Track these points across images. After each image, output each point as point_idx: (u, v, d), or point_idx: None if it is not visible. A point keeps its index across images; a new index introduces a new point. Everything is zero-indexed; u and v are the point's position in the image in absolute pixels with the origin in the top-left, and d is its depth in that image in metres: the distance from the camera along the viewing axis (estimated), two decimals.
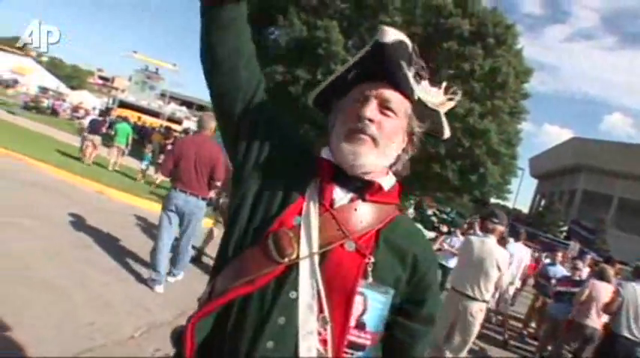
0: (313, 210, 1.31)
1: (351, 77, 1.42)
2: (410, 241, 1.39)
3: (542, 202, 65.31)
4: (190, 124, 49.75)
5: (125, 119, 23.32)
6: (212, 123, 6.67)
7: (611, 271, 8.05)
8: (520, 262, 10.29)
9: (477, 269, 5.94)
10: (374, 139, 1.33)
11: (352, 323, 1.24)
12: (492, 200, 34.95)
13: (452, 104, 1.48)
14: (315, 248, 1.25)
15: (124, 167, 17.96)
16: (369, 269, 1.26)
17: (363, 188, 1.36)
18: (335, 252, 1.27)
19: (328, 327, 1.22)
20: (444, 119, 1.49)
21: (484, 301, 5.97)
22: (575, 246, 29.29)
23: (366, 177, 1.35)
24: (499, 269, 5.92)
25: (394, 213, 1.40)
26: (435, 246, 7.65)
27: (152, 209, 11.72)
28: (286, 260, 1.24)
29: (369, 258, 1.27)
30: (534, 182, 74.85)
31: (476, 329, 6.01)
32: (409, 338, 1.40)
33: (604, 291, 7.43)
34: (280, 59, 21.34)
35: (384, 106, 1.35)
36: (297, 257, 1.25)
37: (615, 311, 6.99)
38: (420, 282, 1.38)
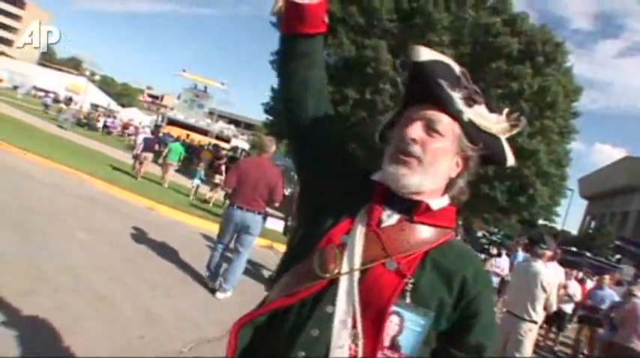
0: (360, 229, 1.32)
1: (401, 104, 1.44)
2: (460, 264, 1.33)
3: (593, 224, 63.58)
4: (238, 142, 50.50)
5: (177, 139, 24.81)
6: (272, 147, 7.29)
7: None
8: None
9: (524, 291, 6.20)
10: (418, 160, 1.32)
11: (386, 342, 1.23)
12: (540, 221, 34.30)
13: (515, 130, 1.45)
14: (357, 265, 1.27)
15: (174, 184, 18.41)
16: (408, 289, 1.24)
17: (411, 209, 1.35)
18: (375, 270, 1.27)
19: (359, 343, 1.22)
20: (506, 146, 1.45)
21: (533, 321, 6.17)
22: (629, 271, 28.33)
23: (415, 198, 1.34)
24: (544, 290, 6.10)
25: (447, 236, 1.36)
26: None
27: (201, 225, 11.94)
28: (327, 275, 1.27)
29: (409, 278, 1.25)
30: (584, 203, 72.97)
31: (526, 349, 6.17)
32: None
33: None
34: (329, 78, 21.40)
35: (430, 127, 1.33)
36: (339, 273, 1.27)
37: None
38: (468, 307, 1.30)
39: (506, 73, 20.46)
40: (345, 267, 1.27)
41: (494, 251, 10.03)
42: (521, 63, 20.56)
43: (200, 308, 5.99)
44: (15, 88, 53.72)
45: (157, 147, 19.99)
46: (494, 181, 21.23)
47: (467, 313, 1.30)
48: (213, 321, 5.64)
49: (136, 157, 18.03)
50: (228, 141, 48.52)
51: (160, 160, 18.29)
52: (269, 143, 7.33)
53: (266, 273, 9.18)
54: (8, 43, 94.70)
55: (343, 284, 1.26)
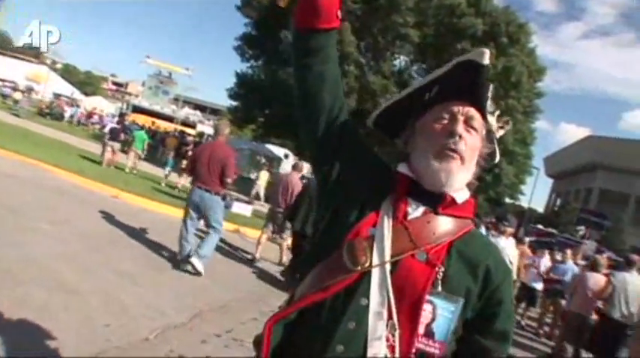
0: (387, 222, 1.34)
1: (432, 94, 1.45)
2: (483, 253, 1.39)
3: (558, 201, 64.79)
4: (204, 128, 50.01)
5: (142, 127, 25.94)
6: (226, 130, 8.10)
7: (603, 261, 8.63)
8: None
9: None
10: (462, 156, 1.35)
11: (421, 330, 1.26)
12: (507, 200, 34.85)
13: (503, 132, 1.54)
14: (387, 257, 1.29)
15: (141, 172, 18.55)
16: (439, 278, 1.28)
17: (436, 201, 1.38)
18: (406, 261, 1.29)
19: (396, 333, 1.24)
20: (496, 143, 1.54)
21: None
22: (591, 245, 28.99)
23: (443, 191, 1.38)
24: (510, 263, 6.87)
25: (468, 227, 1.41)
26: None
27: (167, 212, 11.85)
28: (359, 268, 1.28)
29: (439, 268, 1.28)
30: (550, 181, 74.19)
31: None
32: (481, 355, 1.39)
33: (593, 280, 8.00)
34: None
35: (469, 124, 1.38)
36: (370, 266, 1.28)
37: (607, 297, 7.74)
38: (492, 295, 1.36)
39: None
40: (375, 259, 1.29)
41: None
42: (485, 44, 20.71)
43: (167, 295, 5.95)
44: None
45: (122, 136, 19.96)
46: None
47: (492, 301, 1.36)
48: (180, 308, 5.61)
49: (104, 145, 18.31)
50: (194, 127, 48.15)
51: (126, 148, 19.07)
52: (223, 126, 8.17)
53: (233, 258, 9.16)
54: None
55: (375, 276, 1.28)
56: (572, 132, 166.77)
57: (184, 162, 17.24)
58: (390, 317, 1.25)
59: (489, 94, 1.41)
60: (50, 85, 52.17)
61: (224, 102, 32.82)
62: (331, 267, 1.34)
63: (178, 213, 11.94)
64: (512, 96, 21.95)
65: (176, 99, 54.73)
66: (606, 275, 8.26)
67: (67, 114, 39.33)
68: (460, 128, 1.35)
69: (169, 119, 47.12)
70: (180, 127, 44.29)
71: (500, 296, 1.37)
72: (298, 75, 1.51)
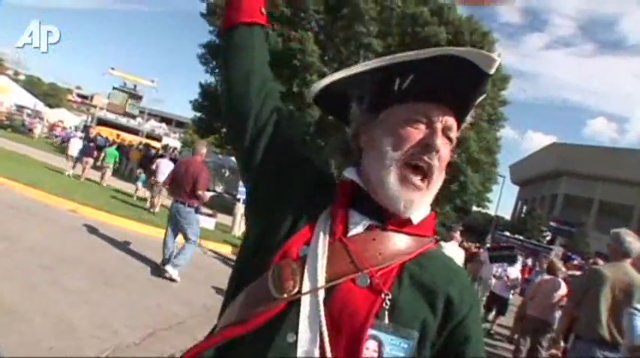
0: (322, 239, 1.11)
1: (407, 85, 1.16)
2: (442, 279, 1.13)
3: (524, 208, 65.84)
4: (169, 141, 49.59)
5: (112, 144, 27.52)
6: (203, 150, 8.99)
7: (558, 265, 8.68)
8: None
9: None
10: (430, 178, 1.14)
11: None
12: (474, 208, 35.18)
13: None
14: (320, 283, 1.05)
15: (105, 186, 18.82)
16: (386, 307, 1.04)
17: (385, 215, 1.15)
18: (343, 287, 1.05)
19: None
20: None
21: None
22: (558, 251, 29.41)
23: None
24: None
25: (426, 246, 1.17)
26: None
27: (127, 226, 11.57)
28: (285, 296, 1.05)
29: (386, 295, 1.04)
30: (516, 189, 75.37)
31: None
32: None
33: (551, 284, 8.07)
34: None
35: (445, 134, 1.15)
36: (299, 293, 1.05)
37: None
38: (455, 331, 1.11)
39: None
40: (306, 286, 1.05)
41: None
42: None
43: (120, 313, 5.70)
44: None
45: (95, 153, 21.32)
46: None
47: (455, 339, 1.11)
48: (134, 326, 5.38)
49: (77, 161, 19.88)
50: (159, 139, 47.67)
51: (99, 163, 20.72)
52: (200, 146, 9.01)
53: (191, 273, 8.92)
54: None
55: (305, 306, 1.04)
56: (538, 140, 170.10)
57: (153, 178, 17.05)
58: (323, 356, 1.01)
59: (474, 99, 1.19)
60: (11, 96, 51.13)
61: (189, 114, 32.63)
62: (254, 294, 1.11)
63: (139, 228, 11.77)
64: (476, 105, 22.18)
65: (141, 112, 54.22)
66: (565, 279, 8.32)
67: (37, 131, 38.71)
68: (439, 142, 1.12)
69: (134, 132, 46.60)
70: (145, 140, 43.79)
71: (465, 333, 1.11)
72: (223, 76, 1.39)
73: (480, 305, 1.28)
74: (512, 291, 11.52)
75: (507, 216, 65.90)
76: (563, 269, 9.01)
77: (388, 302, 1.03)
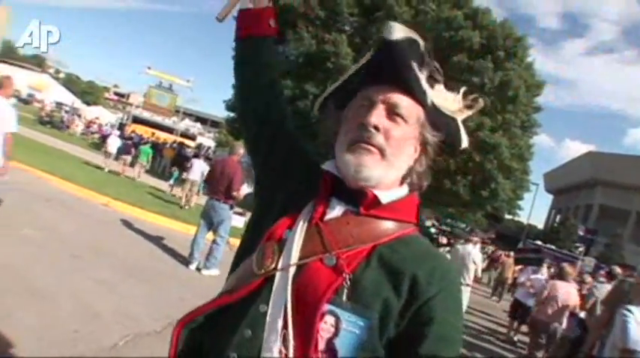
0: (302, 223, 1.22)
1: (356, 81, 1.30)
2: (412, 261, 1.16)
3: (558, 217, 64.65)
4: (203, 140, 50.05)
5: (147, 142, 27.72)
6: (240, 150, 8.94)
7: (569, 270, 8.80)
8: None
9: (460, 264, 8.66)
10: (381, 150, 1.20)
11: (321, 346, 1.09)
12: (507, 216, 34.69)
13: (471, 112, 1.32)
14: (293, 261, 1.16)
15: (139, 182, 19.50)
16: (345, 286, 1.10)
17: (358, 201, 1.23)
18: (312, 266, 1.15)
19: (290, 346, 1.09)
20: (461, 127, 1.32)
21: (467, 285, 8.74)
22: (590, 262, 28.92)
23: (366, 189, 1.22)
24: (474, 262, 8.78)
25: (403, 231, 1.22)
26: None
27: (157, 222, 11.79)
28: (263, 272, 1.17)
29: (347, 275, 1.11)
30: (549, 197, 74.16)
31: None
32: None
33: (563, 289, 8.17)
34: (289, 74, 21.41)
35: (393, 112, 1.21)
36: (274, 269, 1.17)
37: (590, 308, 7.77)
38: (419, 312, 1.11)
39: (467, 67, 20.55)
40: (281, 264, 1.17)
41: (443, 240, 10.30)
42: (482, 57, 20.70)
43: (143, 304, 5.86)
44: None
45: (132, 151, 22.28)
46: (456, 176, 21.40)
47: (418, 319, 1.11)
48: (155, 316, 5.53)
49: (116, 159, 21.53)
50: (193, 139, 48.07)
51: (134, 159, 21.70)
52: (237, 147, 9.04)
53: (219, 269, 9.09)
54: None
55: (277, 281, 1.16)
56: (576, 149, 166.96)
57: (185, 175, 17.95)
58: (285, 326, 1.10)
59: (419, 74, 1.21)
60: (52, 94, 52.37)
61: (225, 114, 32.88)
62: (244, 269, 1.26)
63: (169, 223, 11.99)
64: (509, 111, 21.89)
65: (177, 111, 54.83)
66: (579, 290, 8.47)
67: (77, 128, 39.63)
68: (376, 118, 1.19)
69: (169, 130, 47.10)
70: (179, 139, 44.28)
71: (429, 314, 1.11)
72: (236, 82, 1.56)
73: (458, 293, 1.17)
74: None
75: (540, 225, 64.87)
76: (574, 275, 9.25)
77: (348, 281, 1.11)
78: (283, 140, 1.47)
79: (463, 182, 21.72)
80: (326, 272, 1.13)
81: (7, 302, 4.73)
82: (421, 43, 1.21)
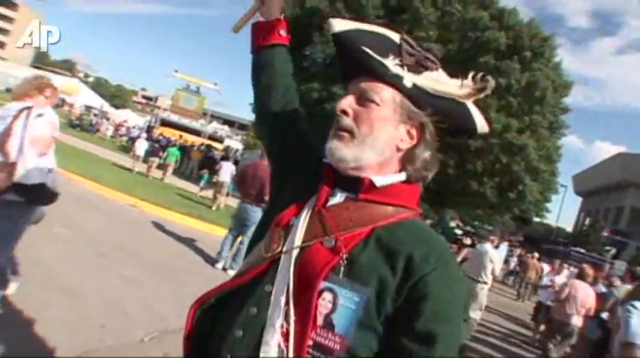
0: (307, 211, 1.31)
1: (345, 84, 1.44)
2: (409, 242, 1.21)
3: (587, 220, 63.59)
4: (231, 143, 50.37)
5: (174, 144, 29.26)
6: None
7: (589, 271, 8.87)
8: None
9: (477, 263, 8.87)
10: (351, 132, 1.28)
11: (320, 321, 1.15)
12: (535, 219, 34.22)
13: (482, 94, 1.35)
14: (297, 244, 1.24)
15: (166, 184, 19.99)
16: (342, 264, 1.17)
17: (356, 187, 1.30)
18: (313, 248, 1.23)
19: (291, 321, 1.17)
20: (474, 111, 1.37)
21: (485, 283, 8.77)
22: (621, 265, 28.42)
23: (359, 174, 1.29)
24: (491, 261, 8.75)
25: (402, 216, 1.28)
26: (458, 258, 8.14)
27: (183, 223, 11.94)
28: (269, 255, 1.27)
29: (344, 254, 1.18)
30: (579, 199, 73.03)
31: (480, 301, 8.81)
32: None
33: (582, 290, 8.22)
34: (317, 76, 21.51)
35: (363, 98, 1.30)
36: (280, 253, 1.26)
37: (610, 308, 7.78)
38: (414, 289, 1.15)
39: (494, 67, 20.36)
40: (286, 247, 1.26)
41: (467, 241, 10.36)
42: (508, 58, 20.51)
43: (169, 301, 5.95)
44: (7, 90, 53.60)
45: (161, 153, 23.38)
46: (483, 177, 21.25)
47: (413, 295, 1.15)
48: (182, 314, 5.54)
49: (145, 161, 22.09)
50: (221, 141, 48.46)
51: (161, 161, 22.46)
52: None
53: None
54: (0, 45, 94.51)
55: (282, 263, 1.24)
56: (607, 150, 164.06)
57: (215, 177, 18.58)
58: (287, 304, 1.19)
59: (383, 60, 1.30)
60: (81, 98, 53.25)
61: (252, 117, 33.11)
62: (254, 254, 1.36)
63: (195, 224, 12.14)
64: (536, 112, 21.62)
65: (204, 114, 55.29)
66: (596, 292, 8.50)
67: (107, 132, 40.38)
68: (343, 104, 1.31)
69: (197, 133, 47.51)
70: (207, 141, 44.64)
71: (424, 291, 1.15)
72: (253, 88, 1.69)
73: (455, 273, 1.18)
74: None
75: (569, 228, 64.00)
76: (593, 275, 9.27)
77: (345, 260, 1.17)
78: (295, 140, 1.61)
79: (490, 184, 21.53)
80: (325, 253, 1.21)
81: (39, 297, 4.87)
82: (390, 34, 1.38)
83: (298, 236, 1.25)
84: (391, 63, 1.30)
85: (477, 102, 1.38)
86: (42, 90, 4.45)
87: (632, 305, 4.25)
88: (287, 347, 1.15)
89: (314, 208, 1.30)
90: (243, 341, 1.20)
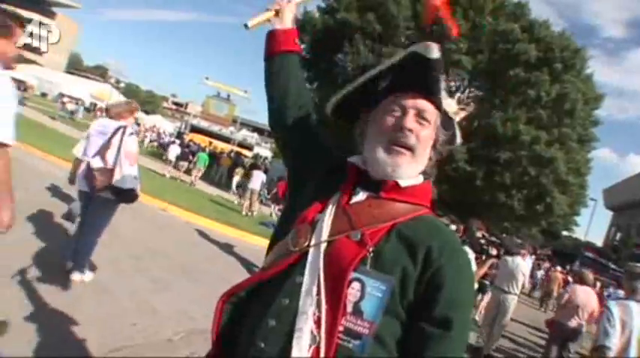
0: (331, 207, 1.44)
1: (383, 87, 1.52)
2: (427, 235, 1.36)
3: (618, 235, 62.24)
4: (260, 150, 50.61)
5: (204, 149, 30.44)
6: None
7: (590, 276, 9.07)
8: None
9: (509, 275, 8.88)
10: (412, 149, 1.43)
11: (349, 309, 1.26)
12: (564, 233, 33.66)
13: (464, 114, 1.62)
14: (324, 238, 1.36)
15: (194, 189, 20.42)
16: (369, 256, 1.30)
17: (379, 187, 1.45)
18: (340, 241, 1.35)
19: (323, 309, 1.27)
20: (456, 127, 1.59)
21: (515, 294, 8.90)
22: None
23: (393, 179, 1.44)
24: (523, 274, 9.04)
25: (418, 212, 1.43)
26: (481, 271, 8.05)
27: (212, 228, 12.12)
28: (297, 248, 1.39)
29: (370, 247, 1.31)
30: (609, 214, 71.48)
31: (508, 316, 8.89)
32: (420, 342, 1.28)
33: (583, 294, 8.35)
34: (343, 83, 21.57)
35: (420, 116, 1.45)
36: (308, 246, 1.37)
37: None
38: (432, 278, 1.30)
39: (524, 80, 20.28)
40: (313, 241, 1.37)
41: (493, 251, 10.29)
42: (538, 70, 20.35)
43: (198, 303, 6.09)
44: (43, 95, 54.83)
45: (190, 157, 25.13)
46: (511, 189, 21.07)
47: (432, 285, 1.30)
48: (210, 315, 5.70)
49: (175, 166, 23.75)
50: (250, 148, 48.77)
51: (191, 166, 24.06)
52: None
53: None
54: (39, 52, 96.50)
55: (311, 256, 1.35)
56: None
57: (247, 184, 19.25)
58: (318, 293, 1.29)
59: (442, 85, 1.45)
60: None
61: None
62: (280, 248, 1.47)
63: (223, 229, 12.31)
64: (566, 124, 21.37)
65: (234, 121, 55.61)
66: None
67: (145, 141, 41.17)
68: (410, 122, 1.42)
69: (226, 140, 47.80)
70: (236, 148, 44.91)
71: (440, 280, 1.29)
72: (267, 94, 1.80)
73: (467, 265, 1.39)
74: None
75: (599, 243, 62.71)
76: (593, 280, 9.59)
77: (372, 253, 1.31)
78: (311, 141, 1.73)
79: (518, 196, 21.32)
80: (352, 246, 1.33)
81: (74, 293, 5.12)
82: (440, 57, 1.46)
83: (325, 230, 1.38)
84: (443, 87, 1.47)
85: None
86: (132, 113, 6.04)
87: (607, 308, 4.41)
88: (319, 333, 1.26)
89: (338, 205, 1.44)
90: (276, 329, 1.31)
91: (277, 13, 1.78)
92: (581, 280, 8.94)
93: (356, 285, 1.28)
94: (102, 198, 5.53)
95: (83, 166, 5.59)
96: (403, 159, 1.43)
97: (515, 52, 20.48)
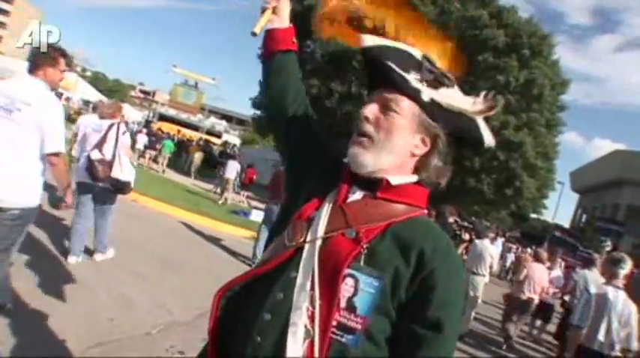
0: (327, 205, 1.44)
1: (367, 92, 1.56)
2: (420, 237, 1.36)
3: (584, 217, 63.56)
4: (229, 138, 50.38)
5: (169, 136, 31.11)
6: None
7: (544, 254, 10.22)
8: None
9: (479, 256, 9.07)
10: (370, 137, 1.42)
11: (343, 304, 1.28)
12: (532, 215, 34.28)
13: (491, 112, 1.50)
14: (320, 235, 1.37)
15: (163, 178, 20.65)
16: (363, 253, 1.31)
17: (375, 186, 1.44)
18: (335, 238, 1.36)
19: (316, 304, 1.29)
20: (482, 127, 1.49)
21: (483, 275, 9.08)
22: (619, 256, 28.33)
23: (377, 176, 1.43)
24: (491, 256, 9.16)
25: (413, 213, 1.43)
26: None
27: (185, 217, 12.02)
28: (293, 244, 1.40)
29: (365, 244, 1.32)
30: (576, 196, 72.92)
31: (479, 291, 9.09)
32: (411, 343, 1.30)
33: (538, 271, 9.51)
34: (316, 73, 21.56)
35: (386, 107, 1.43)
36: (304, 242, 1.38)
37: (570, 290, 9.74)
38: (425, 280, 1.30)
39: (492, 65, 20.51)
40: (309, 237, 1.39)
41: (466, 236, 10.60)
42: (507, 55, 20.61)
43: (175, 295, 6.08)
44: None
45: (157, 146, 25.52)
46: (480, 174, 21.35)
47: (424, 286, 1.30)
48: (187, 307, 5.74)
49: (142, 155, 24.26)
50: (219, 136, 48.54)
51: (157, 154, 24.88)
52: None
53: (247, 264, 9.29)
54: None
55: (306, 251, 1.37)
56: (606, 148, 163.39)
57: (222, 174, 19.86)
58: (312, 288, 1.31)
59: (406, 75, 1.43)
60: (79, 92, 53.02)
61: (250, 112, 33.05)
62: (277, 244, 1.48)
63: (195, 219, 12.22)
64: (534, 109, 21.70)
65: (202, 109, 55.24)
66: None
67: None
68: (368, 111, 1.44)
69: (195, 128, 47.52)
70: (205, 136, 44.67)
71: (433, 282, 1.30)
72: (265, 92, 1.85)
73: (459, 268, 1.41)
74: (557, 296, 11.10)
75: (566, 225, 63.97)
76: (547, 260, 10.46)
77: (366, 250, 1.32)
78: (310, 139, 1.73)
79: (487, 180, 21.66)
80: (347, 243, 1.34)
81: (51, 289, 5.03)
82: (413, 52, 1.51)
83: (321, 227, 1.39)
84: (412, 77, 1.44)
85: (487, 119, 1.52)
86: (121, 111, 7.01)
87: (587, 290, 4.60)
88: (313, 327, 1.27)
89: (334, 203, 1.44)
90: (271, 323, 1.32)
91: (275, 10, 1.77)
92: (536, 258, 9.92)
93: (350, 281, 1.30)
94: (101, 187, 6.26)
95: (83, 159, 6.30)
96: (359, 148, 1.43)
97: (483, 38, 20.71)
